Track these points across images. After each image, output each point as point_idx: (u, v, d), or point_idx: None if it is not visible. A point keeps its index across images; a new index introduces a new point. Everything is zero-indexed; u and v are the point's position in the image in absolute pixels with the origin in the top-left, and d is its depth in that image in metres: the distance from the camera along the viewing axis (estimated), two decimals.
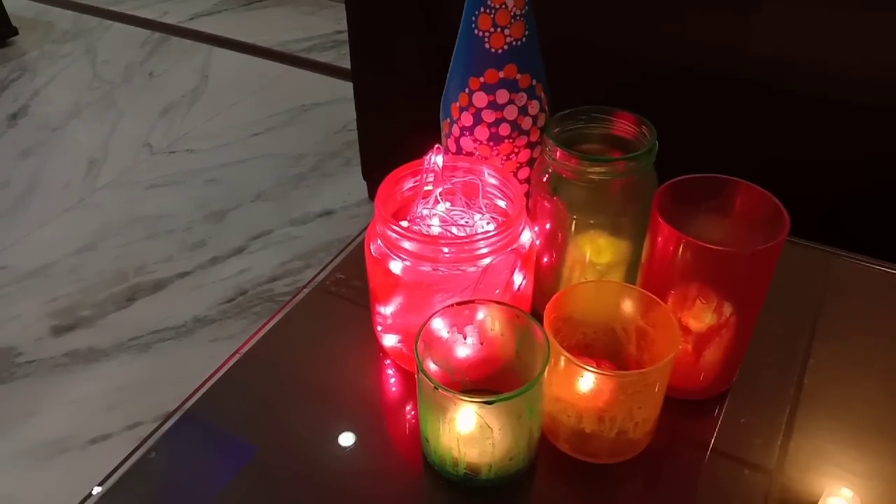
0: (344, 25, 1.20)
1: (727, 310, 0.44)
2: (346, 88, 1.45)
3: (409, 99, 1.21)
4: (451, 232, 0.50)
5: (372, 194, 1.45)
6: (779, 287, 0.56)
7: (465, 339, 0.47)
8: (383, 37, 1.17)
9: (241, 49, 2.02)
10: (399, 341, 0.52)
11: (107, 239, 1.39)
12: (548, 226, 0.50)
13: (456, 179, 0.52)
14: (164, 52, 2.02)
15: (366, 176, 1.41)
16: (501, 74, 0.49)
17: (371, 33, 1.18)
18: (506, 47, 0.48)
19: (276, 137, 1.66)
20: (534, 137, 0.52)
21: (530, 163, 0.53)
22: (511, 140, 0.51)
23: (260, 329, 0.57)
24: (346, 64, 1.27)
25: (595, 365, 0.46)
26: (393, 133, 1.28)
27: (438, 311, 0.45)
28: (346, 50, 1.26)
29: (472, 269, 0.46)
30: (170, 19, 2.18)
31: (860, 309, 0.58)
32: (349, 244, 0.63)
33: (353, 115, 1.32)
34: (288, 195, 1.49)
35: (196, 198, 1.48)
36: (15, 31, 2.04)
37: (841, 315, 0.57)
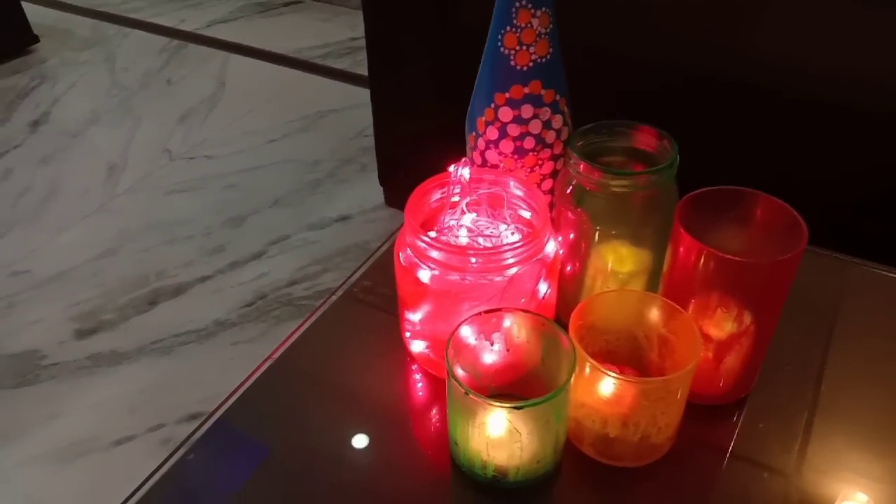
0: (358, 32, 1.23)
1: (747, 318, 0.46)
2: (361, 95, 1.47)
3: (424, 106, 1.23)
4: (478, 242, 0.52)
5: (388, 199, 1.47)
6: (796, 295, 0.57)
7: (491, 345, 0.48)
8: (399, 44, 1.19)
9: (257, 56, 2.04)
10: (427, 347, 0.53)
11: (127, 244, 1.42)
12: (571, 236, 0.52)
13: (482, 191, 0.53)
14: (181, 58, 2.05)
15: (382, 181, 1.43)
16: (526, 90, 0.50)
17: (387, 41, 1.20)
18: (531, 64, 0.50)
19: (293, 143, 1.68)
20: (557, 150, 0.53)
21: (553, 174, 0.54)
22: (535, 153, 0.53)
23: (290, 335, 0.59)
24: (362, 70, 1.29)
25: (618, 371, 0.47)
26: (408, 140, 1.30)
27: (467, 319, 0.46)
28: (361, 56, 1.28)
29: (499, 278, 0.48)
30: (187, 26, 2.21)
31: (876, 316, 0.59)
32: (374, 252, 0.65)
33: (369, 121, 1.34)
34: (305, 200, 1.51)
35: (215, 203, 1.51)
36: (36, 39, 2.08)
37: (857, 322, 0.58)
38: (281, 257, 1.37)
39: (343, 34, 2.12)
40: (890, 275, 0.62)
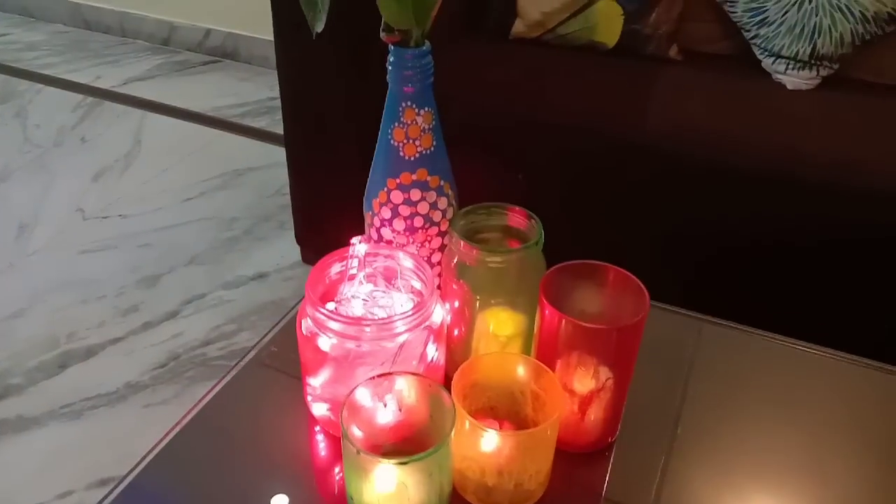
0: (277, 92, 1.27)
1: (604, 374, 0.53)
2: (280, 153, 1.51)
3: (340, 165, 1.28)
4: (373, 312, 0.57)
5: (305, 257, 1.51)
6: (655, 350, 0.65)
7: (385, 406, 0.54)
8: (315, 104, 1.25)
9: (174, 114, 2.07)
10: (328, 410, 0.58)
11: (36, 305, 1.40)
12: (456, 304, 0.59)
13: (377, 264, 0.59)
14: (96, 116, 2.04)
15: (299, 239, 1.47)
16: (414, 177, 0.57)
17: (303, 101, 1.25)
18: (417, 155, 0.57)
19: (210, 201, 1.70)
20: (444, 227, 0.60)
21: (442, 248, 0.61)
22: (424, 230, 0.59)
23: (199, 401, 0.62)
24: (280, 129, 1.33)
25: (498, 425, 0.53)
26: (325, 197, 1.35)
27: (361, 383, 0.51)
28: (279, 115, 1.32)
29: (391, 344, 0.54)
30: (103, 84, 2.21)
31: (727, 368, 0.68)
32: (281, 319, 0.70)
33: (287, 179, 1.38)
34: (221, 259, 1.53)
35: (129, 262, 1.51)
36: None
37: (710, 374, 0.67)
38: (195, 317, 1.38)
39: (262, 93, 2.17)
40: (737, 328, 0.71)
